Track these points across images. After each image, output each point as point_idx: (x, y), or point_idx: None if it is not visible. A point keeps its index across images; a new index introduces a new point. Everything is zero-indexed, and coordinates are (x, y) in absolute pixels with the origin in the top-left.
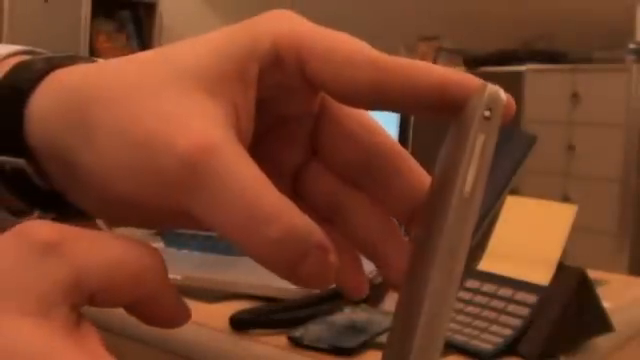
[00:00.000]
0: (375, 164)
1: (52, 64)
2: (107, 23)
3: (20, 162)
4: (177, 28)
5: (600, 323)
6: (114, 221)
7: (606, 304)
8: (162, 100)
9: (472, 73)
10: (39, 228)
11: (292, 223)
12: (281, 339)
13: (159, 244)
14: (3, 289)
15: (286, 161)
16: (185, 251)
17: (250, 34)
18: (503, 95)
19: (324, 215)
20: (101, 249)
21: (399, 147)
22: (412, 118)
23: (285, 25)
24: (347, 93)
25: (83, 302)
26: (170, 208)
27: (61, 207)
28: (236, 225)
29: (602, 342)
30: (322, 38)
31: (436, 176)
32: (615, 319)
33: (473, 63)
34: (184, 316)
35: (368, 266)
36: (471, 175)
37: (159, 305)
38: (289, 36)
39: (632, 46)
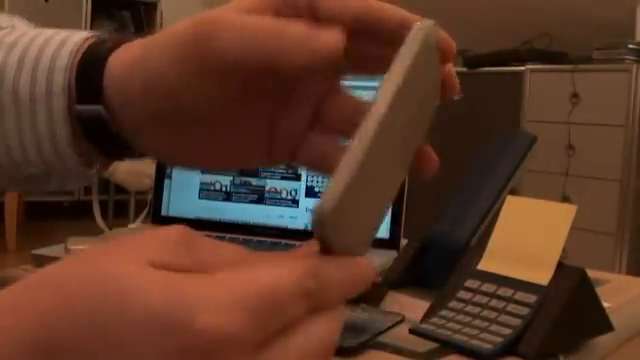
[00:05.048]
0: None
1: (115, 44)
2: (107, 23)
3: (98, 108)
4: None
5: (600, 323)
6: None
7: (606, 304)
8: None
9: (472, 73)
10: (178, 230)
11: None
12: None
13: None
14: (145, 249)
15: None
16: None
17: None
18: (430, 22)
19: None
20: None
21: None
22: None
23: None
24: (337, 17)
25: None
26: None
27: (124, 153)
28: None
29: (602, 342)
30: None
31: None
32: (615, 319)
33: (473, 63)
34: None
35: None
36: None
37: None
38: None
39: (632, 46)
